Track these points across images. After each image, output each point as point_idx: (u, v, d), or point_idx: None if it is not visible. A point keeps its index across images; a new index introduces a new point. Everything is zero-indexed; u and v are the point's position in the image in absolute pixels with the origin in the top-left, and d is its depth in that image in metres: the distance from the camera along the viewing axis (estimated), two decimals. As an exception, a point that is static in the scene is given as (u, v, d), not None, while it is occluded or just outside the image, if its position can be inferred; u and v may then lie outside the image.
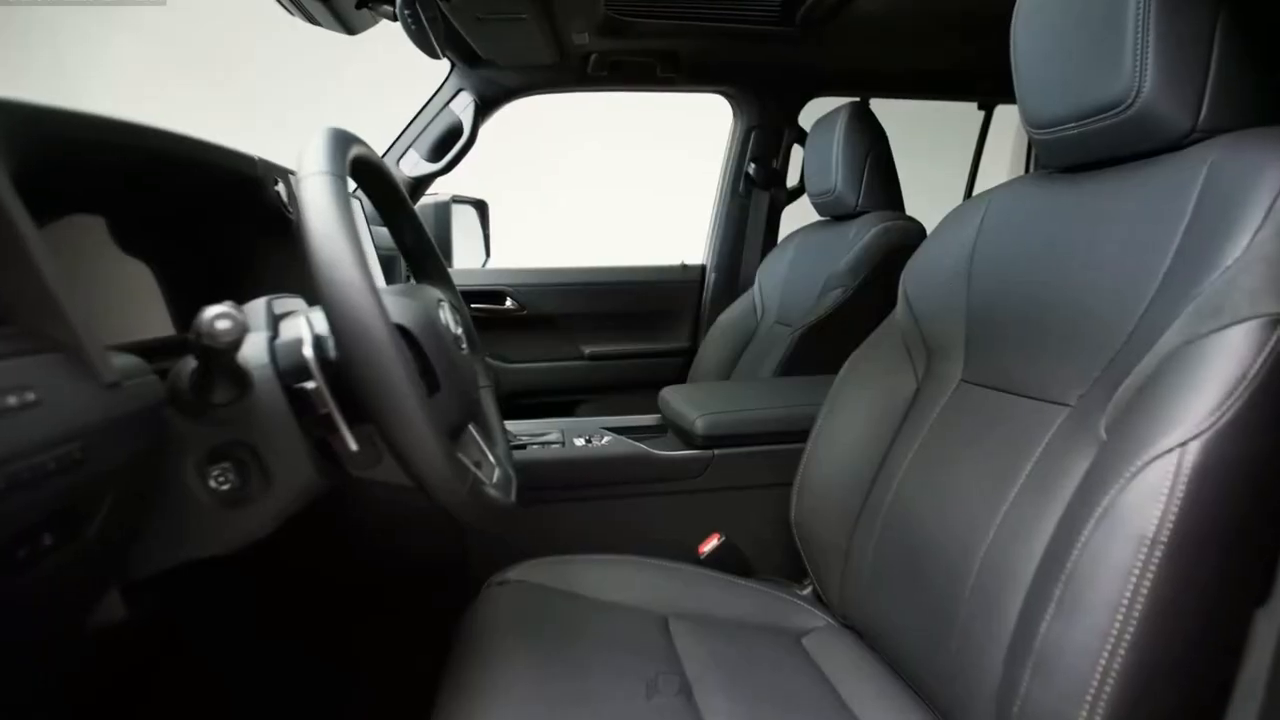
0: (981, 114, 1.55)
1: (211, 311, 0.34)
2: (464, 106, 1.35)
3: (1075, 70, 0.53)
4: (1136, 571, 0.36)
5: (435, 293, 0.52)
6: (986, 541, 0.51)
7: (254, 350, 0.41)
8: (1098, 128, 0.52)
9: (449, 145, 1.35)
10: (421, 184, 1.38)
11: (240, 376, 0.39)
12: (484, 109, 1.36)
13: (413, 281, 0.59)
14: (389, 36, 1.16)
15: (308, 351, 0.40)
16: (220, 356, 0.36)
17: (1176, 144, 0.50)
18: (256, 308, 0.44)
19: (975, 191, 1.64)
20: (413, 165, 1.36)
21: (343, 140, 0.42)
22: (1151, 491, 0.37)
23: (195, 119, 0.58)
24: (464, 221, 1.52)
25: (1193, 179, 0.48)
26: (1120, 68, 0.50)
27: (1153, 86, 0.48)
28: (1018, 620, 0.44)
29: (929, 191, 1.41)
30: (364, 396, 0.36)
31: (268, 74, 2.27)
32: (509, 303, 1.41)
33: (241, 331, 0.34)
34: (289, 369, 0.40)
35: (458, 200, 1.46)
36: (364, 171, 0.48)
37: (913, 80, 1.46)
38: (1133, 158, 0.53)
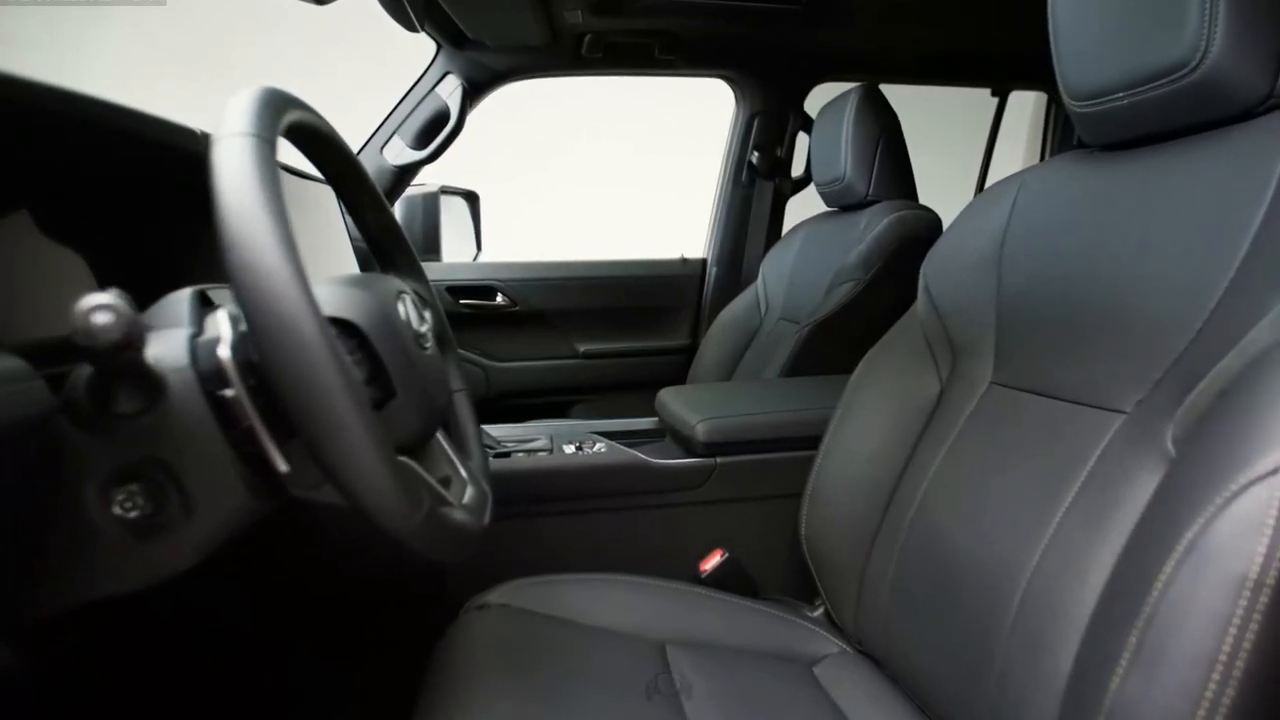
0: (995, 100, 1.48)
1: (88, 302, 0.27)
2: (451, 91, 1.28)
3: (1127, 29, 0.46)
4: (1237, 621, 0.30)
5: (396, 283, 0.45)
6: (1029, 568, 0.45)
7: (172, 350, 0.34)
8: (1154, 96, 0.46)
9: (435, 132, 1.28)
10: (407, 173, 1.31)
11: (150, 381, 0.33)
12: (472, 93, 1.29)
13: (372, 272, 0.53)
14: (393, 33, 1.09)
15: (224, 352, 0.33)
16: (113, 357, 0.29)
17: (1249, 112, 0.43)
18: (179, 299, 0.37)
19: (988, 182, 1.57)
20: (397, 153, 1.29)
21: (276, 100, 0.35)
22: (1251, 523, 0.30)
23: (194, 118, 0.52)
24: (454, 214, 1.45)
25: (1272, 152, 0.41)
26: (1184, 24, 0.43)
27: (1223, 45, 0.42)
28: (1074, 667, 0.38)
29: (929, 188, 1.34)
30: (287, 405, 0.29)
31: (266, 72, 2.21)
32: (499, 298, 1.34)
33: (127, 327, 0.28)
34: (210, 373, 0.34)
35: (447, 191, 1.39)
36: (310, 141, 0.42)
37: (924, 64, 1.39)
38: (1194, 130, 0.47)
